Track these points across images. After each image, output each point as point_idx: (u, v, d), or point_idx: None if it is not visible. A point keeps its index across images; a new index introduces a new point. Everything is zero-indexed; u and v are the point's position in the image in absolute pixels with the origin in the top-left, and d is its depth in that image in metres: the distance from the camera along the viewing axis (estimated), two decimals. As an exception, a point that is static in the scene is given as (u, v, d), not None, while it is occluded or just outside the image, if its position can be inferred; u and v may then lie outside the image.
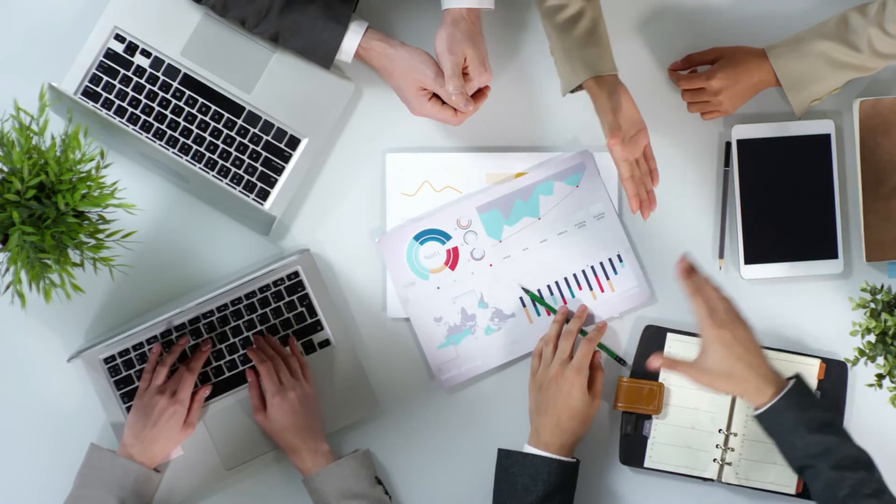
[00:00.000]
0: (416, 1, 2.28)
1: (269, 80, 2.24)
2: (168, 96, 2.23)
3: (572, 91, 2.14)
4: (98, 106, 2.22)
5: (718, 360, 2.05)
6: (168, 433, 2.17)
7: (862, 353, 2.04)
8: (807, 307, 2.28)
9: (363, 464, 2.20)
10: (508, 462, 2.16)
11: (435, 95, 2.18)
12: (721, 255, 2.28)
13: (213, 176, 2.24)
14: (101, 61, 2.23)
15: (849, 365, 2.15)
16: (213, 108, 2.24)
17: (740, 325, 2.07)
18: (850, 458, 2.03)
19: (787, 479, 2.23)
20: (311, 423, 2.20)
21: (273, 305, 2.24)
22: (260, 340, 2.23)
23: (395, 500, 2.25)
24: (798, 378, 2.06)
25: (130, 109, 2.23)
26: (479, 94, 2.20)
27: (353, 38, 2.18)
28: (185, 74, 2.23)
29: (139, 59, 2.23)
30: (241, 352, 2.24)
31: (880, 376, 2.05)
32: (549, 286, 2.27)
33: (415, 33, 2.25)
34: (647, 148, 2.16)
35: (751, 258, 2.27)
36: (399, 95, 2.21)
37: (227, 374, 2.24)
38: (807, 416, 2.04)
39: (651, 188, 2.17)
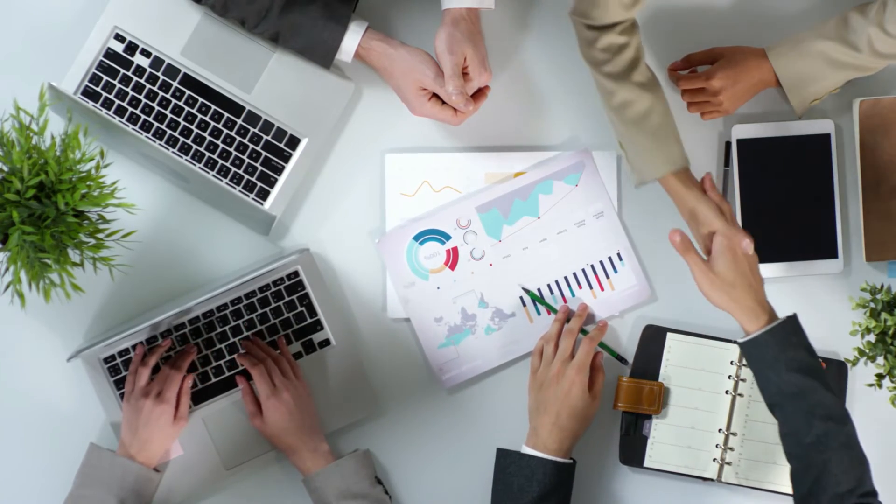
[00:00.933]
0: (416, 1, 2.28)
1: (268, 80, 2.24)
2: (168, 96, 2.23)
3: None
4: (98, 106, 2.22)
5: (726, 267, 2.07)
6: (160, 431, 2.17)
7: (862, 352, 2.04)
8: (807, 307, 2.28)
9: (363, 463, 2.20)
10: (506, 462, 2.16)
11: (435, 95, 2.18)
12: (721, 255, 2.28)
13: (213, 175, 2.24)
14: (101, 61, 2.23)
15: (849, 365, 2.15)
16: (213, 107, 2.24)
17: (749, 239, 2.09)
18: (823, 407, 2.02)
19: (787, 479, 2.23)
20: (308, 422, 2.20)
21: (273, 305, 2.24)
22: (249, 345, 2.23)
23: (394, 500, 2.25)
24: (792, 316, 2.07)
25: (130, 109, 2.23)
26: (479, 94, 2.20)
27: (352, 38, 2.18)
28: (185, 74, 2.23)
29: (139, 59, 2.23)
30: (244, 335, 2.24)
31: (880, 376, 2.05)
32: (549, 285, 2.27)
33: (415, 33, 2.25)
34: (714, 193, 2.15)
35: (751, 258, 2.27)
36: (399, 95, 2.20)
37: (227, 374, 2.24)
38: (789, 354, 2.04)
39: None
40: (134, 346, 2.22)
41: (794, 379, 2.03)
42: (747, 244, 2.08)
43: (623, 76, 2.11)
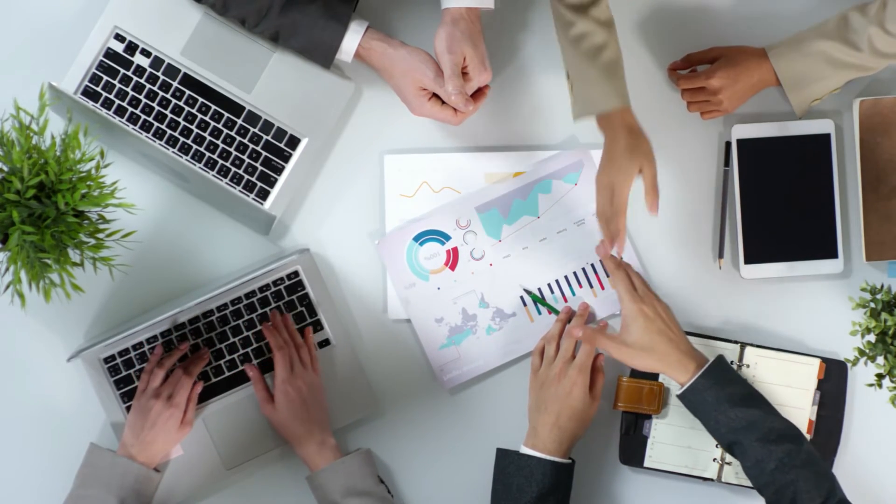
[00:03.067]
0: (416, 1, 2.27)
1: (268, 80, 2.24)
2: (168, 96, 2.23)
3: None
4: (98, 105, 2.22)
5: (640, 335, 2.11)
6: (165, 435, 2.17)
7: (862, 352, 2.04)
8: (807, 307, 2.28)
9: (367, 461, 2.20)
10: (505, 462, 2.16)
11: (435, 95, 2.18)
12: (721, 255, 2.28)
13: (213, 175, 2.24)
14: (101, 61, 2.23)
15: (849, 365, 2.15)
16: (213, 107, 2.24)
17: (659, 302, 2.14)
18: (776, 431, 2.06)
19: (787, 479, 2.24)
20: (318, 414, 2.20)
21: (273, 305, 2.24)
22: (277, 319, 2.22)
23: (396, 500, 2.25)
24: (719, 357, 2.11)
25: (130, 109, 2.23)
26: (478, 94, 2.20)
27: (352, 38, 2.18)
28: (185, 74, 2.23)
29: (139, 59, 2.23)
30: (241, 351, 2.24)
31: (880, 376, 2.05)
32: (549, 284, 2.27)
33: (415, 33, 2.25)
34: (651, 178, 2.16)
35: (751, 258, 2.27)
36: (399, 95, 2.20)
37: (227, 374, 2.24)
38: (727, 391, 2.08)
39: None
40: (135, 346, 2.22)
41: (740, 413, 2.07)
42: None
43: (584, 9, 2.12)
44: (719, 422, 2.08)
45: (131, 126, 2.23)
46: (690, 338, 2.24)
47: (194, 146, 2.24)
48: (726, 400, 2.07)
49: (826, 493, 2.03)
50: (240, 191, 2.24)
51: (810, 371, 2.25)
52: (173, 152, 2.23)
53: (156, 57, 2.23)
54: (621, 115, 2.13)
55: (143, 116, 2.23)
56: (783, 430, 2.07)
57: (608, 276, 2.23)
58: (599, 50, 2.12)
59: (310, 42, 2.19)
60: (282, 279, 2.24)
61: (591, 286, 2.27)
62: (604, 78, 2.12)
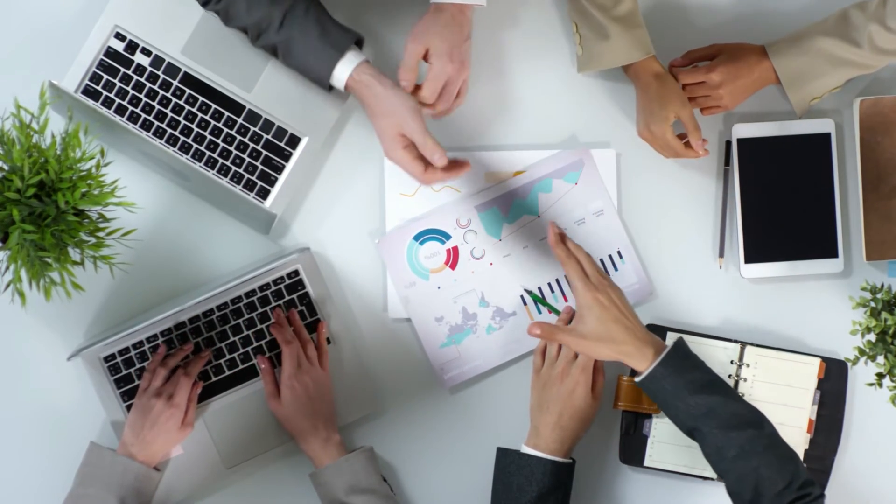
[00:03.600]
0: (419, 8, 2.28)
1: (269, 79, 2.24)
2: (168, 95, 2.23)
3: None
4: (98, 104, 2.22)
5: (596, 324, 2.10)
6: (166, 435, 2.17)
7: (862, 352, 2.04)
8: (807, 306, 2.28)
9: (371, 460, 2.20)
10: (505, 461, 2.16)
11: (412, 145, 2.14)
12: (721, 254, 2.28)
13: (214, 174, 2.24)
14: (102, 60, 2.23)
15: (849, 364, 2.15)
16: (214, 106, 2.24)
17: (613, 289, 2.12)
18: (737, 417, 2.05)
19: (787, 479, 2.23)
20: (324, 409, 2.20)
21: (273, 304, 2.24)
22: (281, 317, 2.22)
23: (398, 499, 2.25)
24: (678, 341, 2.10)
25: (131, 108, 2.23)
26: (444, 95, 2.16)
27: (344, 69, 2.14)
28: (186, 73, 2.23)
29: (139, 58, 2.23)
30: (242, 350, 2.24)
31: (880, 375, 2.05)
32: (549, 284, 2.27)
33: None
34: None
35: (751, 257, 2.27)
36: (378, 134, 2.15)
37: (228, 373, 2.24)
38: (687, 378, 2.07)
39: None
40: (135, 345, 2.22)
41: (701, 400, 2.06)
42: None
43: None
44: (678, 409, 2.07)
45: (132, 125, 2.23)
46: (691, 337, 2.25)
47: (195, 145, 2.24)
48: (685, 387, 2.06)
49: (790, 476, 2.02)
50: (240, 190, 2.24)
51: (810, 371, 2.25)
52: (174, 151, 2.23)
53: (156, 56, 2.23)
54: (647, 64, 2.17)
55: (144, 115, 2.23)
56: (744, 415, 2.06)
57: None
58: (615, 2, 2.15)
59: (304, 65, 2.16)
60: (282, 278, 2.24)
61: (592, 285, 2.27)
62: (624, 30, 2.15)
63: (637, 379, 2.10)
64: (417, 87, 2.16)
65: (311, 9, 2.13)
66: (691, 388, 2.06)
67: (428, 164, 2.13)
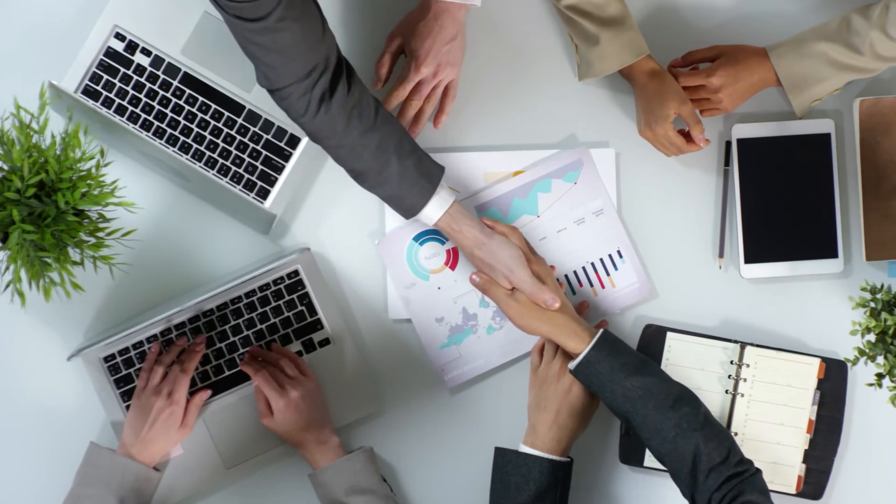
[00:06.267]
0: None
1: (269, 79, 2.24)
2: (168, 95, 2.23)
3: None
4: (98, 104, 2.22)
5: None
6: (165, 434, 2.17)
7: (862, 352, 2.04)
8: (807, 307, 2.28)
9: (371, 460, 2.20)
10: (503, 461, 2.16)
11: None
12: (721, 255, 2.28)
13: (214, 174, 2.24)
14: (102, 60, 2.23)
15: (849, 364, 2.14)
16: (214, 106, 2.24)
17: (548, 269, 2.16)
18: (671, 396, 2.08)
19: (786, 479, 2.23)
20: (317, 416, 2.20)
21: (273, 304, 2.24)
22: (247, 357, 2.23)
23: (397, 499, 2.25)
24: (605, 329, 2.13)
25: (130, 108, 2.23)
26: (430, 97, 2.21)
27: (437, 208, 2.13)
28: (186, 73, 2.24)
29: (139, 58, 2.23)
30: (241, 351, 2.24)
31: (880, 376, 2.05)
32: (548, 284, 2.27)
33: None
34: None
35: (751, 257, 2.27)
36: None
37: (227, 373, 2.24)
38: (621, 360, 2.09)
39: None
40: (135, 345, 2.22)
41: (636, 382, 2.08)
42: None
43: None
44: (615, 392, 2.09)
45: (131, 125, 2.23)
46: (690, 337, 2.25)
47: (194, 145, 2.24)
48: (619, 369, 2.09)
49: (726, 451, 2.05)
50: (240, 190, 2.24)
51: (810, 371, 2.25)
52: (173, 151, 2.23)
53: (156, 56, 2.23)
54: (641, 64, 2.17)
55: (144, 115, 2.23)
56: (677, 394, 2.08)
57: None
58: (600, 8, 2.14)
59: (396, 194, 2.11)
60: (282, 278, 2.24)
61: (592, 285, 2.27)
62: (613, 35, 2.15)
63: (571, 365, 2.12)
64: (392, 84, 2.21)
65: (406, 138, 2.11)
66: (626, 371, 2.09)
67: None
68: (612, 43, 2.16)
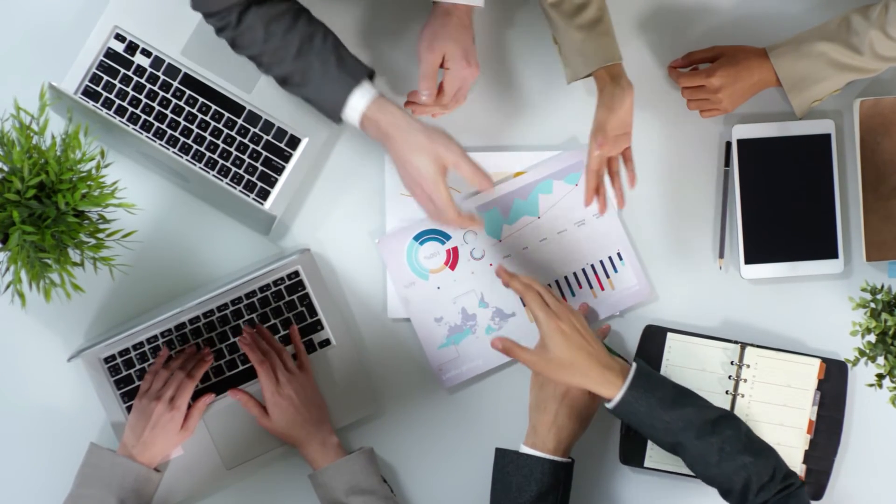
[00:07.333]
0: (419, 8, 2.28)
1: (269, 80, 2.24)
2: (168, 96, 2.23)
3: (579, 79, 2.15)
4: (98, 105, 2.22)
5: (560, 350, 2.09)
6: (165, 437, 2.17)
7: (862, 353, 2.04)
8: (807, 307, 2.28)
9: (371, 460, 2.20)
10: (504, 462, 2.16)
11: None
12: (721, 255, 2.28)
13: (214, 175, 2.24)
14: (102, 61, 2.23)
15: (849, 365, 2.15)
16: (214, 107, 2.24)
17: (575, 316, 2.12)
18: (711, 422, 2.07)
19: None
20: (315, 414, 2.20)
21: (273, 305, 2.24)
22: (252, 334, 2.22)
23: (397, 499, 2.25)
24: (638, 362, 2.10)
25: (131, 109, 2.23)
26: (457, 96, 2.18)
27: (360, 100, 2.11)
28: (186, 74, 2.24)
29: (139, 59, 2.23)
30: (242, 351, 2.24)
31: (880, 376, 2.05)
32: (549, 285, 2.26)
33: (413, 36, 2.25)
34: (628, 151, 2.18)
35: (751, 258, 2.27)
36: (412, 177, 2.13)
37: (228, 374, 2.24)
38: (657, 395, 2.08)
39: (621, 190, 2.19)
40: (135, 346, 2.22)
41: (675, 415, 2.07)
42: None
43: None
44: (656, 428, 2.08)
45: (131, 126, 2.23)
46: (690, 338, 2.25)
47: (194, 146, 2.24)
48: (658, 405, 2.07)
49: (772, 469, 2.06)
50: (240, 191, 2.24)
51: (810, 371, 2.25)
52: (173, 152, 2.23)
53: (156, 57, 2.23)
54: (606, 71, 2.13)
55: (144, 116, 2.23)
56: (717, 418, 2.08)
57: (525, 305, 2.21)
58: (579, 10, 2.12)
59: (318, 94, 2.12)
60: (282, 279, 2.24)
61: (591, 287, 2.27)
62: (586, 39, 2.12)
63: (609, 406, 2.10)
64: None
65: (329, 38, 2.12)
66: (663, 406, 2.07)
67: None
68: (587, 45, 2.14)
